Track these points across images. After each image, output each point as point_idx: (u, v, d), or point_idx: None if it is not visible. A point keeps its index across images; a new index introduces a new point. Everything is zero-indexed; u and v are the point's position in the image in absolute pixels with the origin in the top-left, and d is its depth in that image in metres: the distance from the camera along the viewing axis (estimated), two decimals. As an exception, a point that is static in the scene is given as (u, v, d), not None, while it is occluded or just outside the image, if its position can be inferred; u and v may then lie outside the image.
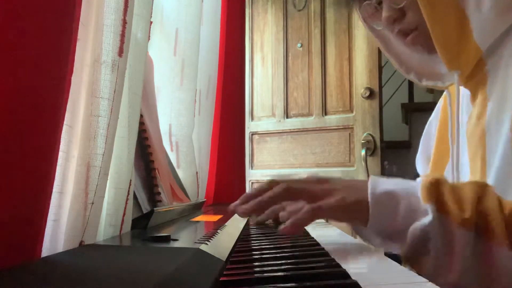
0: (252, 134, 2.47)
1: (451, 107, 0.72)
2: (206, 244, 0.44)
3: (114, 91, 0.49)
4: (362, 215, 0.51)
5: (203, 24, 1.16)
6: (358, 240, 0.61)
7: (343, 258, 0.47)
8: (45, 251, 0.39)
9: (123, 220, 0.55)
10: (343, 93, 2.27)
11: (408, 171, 2.85)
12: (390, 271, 0.43)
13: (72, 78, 0.41)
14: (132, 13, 0.53)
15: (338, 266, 0.41)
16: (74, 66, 0.42)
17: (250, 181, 2.43)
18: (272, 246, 0.56)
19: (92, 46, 0.48)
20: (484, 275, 0.47)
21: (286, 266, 0.43)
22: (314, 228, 0.78)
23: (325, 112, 2.30)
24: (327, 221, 0.89)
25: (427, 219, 0.48)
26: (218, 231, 0.56)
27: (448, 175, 0.71)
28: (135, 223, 0.59)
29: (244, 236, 0.66)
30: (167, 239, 0.47)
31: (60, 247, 0.42)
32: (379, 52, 2.19)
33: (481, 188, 0.49)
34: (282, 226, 0.51)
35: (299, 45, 2.39)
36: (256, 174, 2.45)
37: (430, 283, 0.35)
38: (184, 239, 0.51)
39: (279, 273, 0.38)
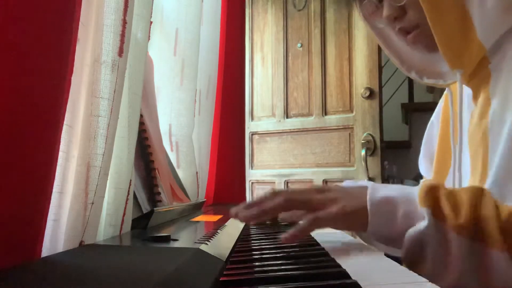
0: (252, 134, 2.47)
1: (453, 106, 0.72)
2: (206, 244, 0.44)
3: (114, 91, 0.49)
4: (362, 221, 0.53)
5: (203, 24, 1.16)
6: (358, 240, 0.61)
7: (343, 258, 0.47)
8: (45, 251, 0.39)
9: (123, 220, 0.55)
10: (343, 93, 2.27)
11: (408, 171, 2.85)
12: (390, 271, 0.43)
13: (72, 78, 0.41)
14: (132, 13, 0.53)
15: (338, 266, 0.41)
16: (74, 66, 0.42)
17: (250, 181, 2.43)
18: (272, 246, 0.56)
19: (92, 46, 0.48)
20: (481, 279, 0.47)
21: (286, 266, 0.43)
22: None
23: (325, 112, 2.30)
24: None
25: (423, 224, 0.49)
26: (218, 231, 0.56)
27: (451, 176, 0.70)
28: (135, 223, 0.59)
29: (244, 236, 0.66)
30: (167, 239, 0.47)
31: (60, 247, 0.42)
32: (379, 52, 2.19)
33: (478, 193, 0.50)
34: (283, 235, 0.52)
35: (299, 45, 2.39)
36: (256, 174, 2.45)
37: (430, 283, 0.35)
38: (184, 239, 0.51)
39: (279, 273, 0.38)
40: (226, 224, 0.66)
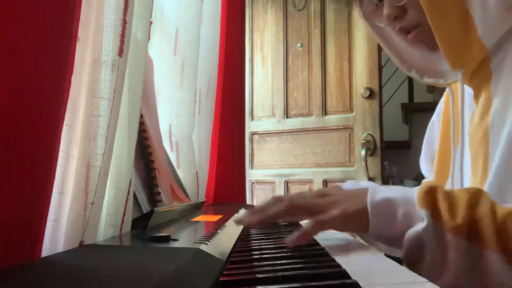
0: (252, 134, 2.47)
1: (454, 106, 0.72)
2: (206, 244, 0.44)
3: (114, 91, 0.49)
4: (363, 223, 0.54)
5: (203, 24, 1.16)
6: (358, 240, 0.61)
7: (343, 258, 0.47)
8: (45, 251, 0.39)
9: (123, 220, 0.55)
10: (343, 93, 2.27)
11: (408, 171, 2.85)
12: (390, 271, 0.43)
13: (72, 78, 0.41)
14: (132, 13, 0.53)
15: (338, 266, 0.41)
16: (74, 66, 0.42)
17: (250, 181, 2.43)
18: (272, 246, 0.56)
19: (92, 46, 0.48)
20: (478, 280, 0.48)
21: (286, 266, 0.43)
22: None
23: (325, 112, 2.30)
24: None
25: (421, 225, 0.50)
26: (218, 231, 0.56)
27: (451, 178, 0.71)
28: (135, 223, 0.59)
29: (244, 236, 0.66)
30: (167, 239, 0.47)
31: (60, 247, 0.42)
32: (379, 52, 2.19)
33: (475, 195, 0.50)
34: (288, 239, 0.53)
35: (299, 45, 2.39)
36: (256, 174, 2.45)
37: (430, 283, 0.35)
38: (184, 239, 0.51)
39: (279, 273, 0.38)
40: (226, 224, 0.66)
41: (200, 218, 0.81)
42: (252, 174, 2.44)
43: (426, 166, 0.88)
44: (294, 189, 2.35)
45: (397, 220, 0.52)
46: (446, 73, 0.70)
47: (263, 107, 2.46)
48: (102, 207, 0.49)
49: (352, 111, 2.24)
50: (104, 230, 0.52)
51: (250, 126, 2.45)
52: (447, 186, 0.71)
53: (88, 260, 0.38)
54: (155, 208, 0.61)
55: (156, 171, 0.78)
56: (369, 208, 0.53)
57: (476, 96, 0.66)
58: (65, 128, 0.41)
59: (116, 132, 0.51)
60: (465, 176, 0.67)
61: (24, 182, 0.33)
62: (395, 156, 2.89)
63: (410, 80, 3.47)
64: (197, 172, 1.10)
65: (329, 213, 0.55)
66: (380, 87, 2.23)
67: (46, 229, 0.38)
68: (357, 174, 2.20)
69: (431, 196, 0.51)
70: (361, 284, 0.34)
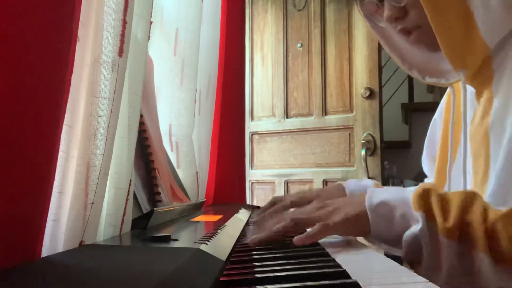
0: (252, 134, 2.47)
1: (455, 105, 0.72)
2: (206, 244, 0.44)
3: (114, 91, 0.49)
4: (364, 226, 0.56)
5: (203, 24, 1.16)
6: (358, 240, 0.61)
7: (343, 258, 0.47)
8: (45, 251, 0.39)
9: (123, 220, 0.55)
10: (343, 93, 2.27)
11: (408, 171, 2.85)
12: (390, 271, 0.43)
13: (72, 78, 0.41)
14: (132, 13, 0.53)
15: (338, 266, 0.41)
16: (74, 66, 0.42)
17: (250, 181, 2.43)
18: (272, 246, 0.56)
19: (92, 46, 0.48)
20: (469, 280, 0.49)
21: (286, 266, 0.43)
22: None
23: (325, 112, 2.30)
24: None
25: (417, 227, 0.51)
26: (218, 231, 0.56)
27: (453, 175, 0.71)
28: (135, 223, 0.59)
29: (244, 236, 0.66)
30: (167, 239, 0.47)
31: (60, 247, 0.42)
32: (379, 52, 2.19)
33: (469, 198, 0.52)
34: (296, 237, 0.56)
35: (299, 45, 2.39)
36: (256, 174, 2.45)
37: (430, 283, 0.35)
38: (184, 239, 0.51)
39: (279, 273, 0.38)
40: (226, 224, 0.66)
41: (200, 218, 0.80)
42: (252, 174, 2.44)
43: (428, 165, 0.88)
44: (294, 189, 2.35)
45: (395, 222, 0.54)
46: (447, 73, 0.70)
47: (263, 107, 2.46)
48: (102, 207, 0.49)
49: (352, 111, 2.24)
50: (104, 230, 0.52)
51: (250, 126, 2.45)
52: (448, 185, 0.72)
53: (88, 260, 0.38)
54: (155, 208, 0.61)
55: (156, 171, 0.78)
56: (368, 211, 0.55)
57: (478, 95, 0.66)
58: (65, 128, 0.41)
59: (116, 132, 0.51)
60: (467, 176, 0.67)
61: (24, 182, 0.33)
62: (395, 156, 2.89)
63: (410, 80, 3.47)
64: (197, 172, 1.10)
65: (332, 218, 0.56)
66: (380, 87, 2.23)
67: (46, 229, 0.38)
68: (357, 174, 2.20)
69: (425, 198, 0.53)
70: (361, 283, 0.34)
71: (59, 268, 0.34)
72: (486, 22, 0.61)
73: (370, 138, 2.18)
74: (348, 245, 0.59)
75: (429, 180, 0.89)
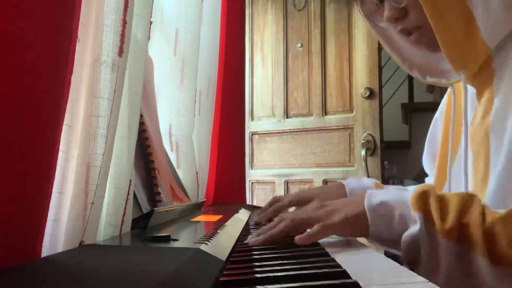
0: (252, 134, 2.47)
1: (456, 105, 0.72)
2: (206, 244, 0.44)
3: (114, 91, 0.49)
4: (363, 227, 0.56)
5: (203, 24, 1.16)
6: (358, 240, 0.61)
7: (343, 258, 0.47)
8: (45, 251, 0.39)
9: (123, 220, 0.55)
10: (343, 93, 2.27)
11: (408, 171, 2.85)
12: (390, 271, 0.43)
13: (72, 78, 0.41)
14: (132, 13, 0.53)
15: (338, 266, 0.41)
16: (74, 66, 0.42)
17: (250, 181, 2.43)
18: (272, 246, 0.56)
19: (92, 46, 0.48)
20: (467, 281, 0.50)
21: (286, 266, 0.43)
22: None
23: (325, 112, 2.30)
24: None
25: (415, 228, 0.52)
26: (218, 231, 0.56)
27: (453, 175, 0.71)
28: (135, 223, 0.59)
29: (244, 236, 0.66)
30: (167, 239, 0.47)
31: (60, 247, 0.42)
32: (379, 52, 2.19)
33: (467, 200, 0.52)
34: (297, 236, 0.56)
35: (299, 45, 2.39)
36: (256, 174, 2.45)
37: (430, 283, 0.35)
38: (184, 239, 0.51)
39: (279, 273, 0.38)
40: (226, 224, 0.66)
41: (200, 218, 0.81)
42: (252, 174, 2.44)
43: (428, 164, 0.88)
44: (294, 189, 2.35)
45: (394, 222, 0.54)
46: (448, 73, 0.70)
47: (263, 107, 2.46)
48: (102, 207, 0.49)
49: (352, 111, 2.24)
50: (104, 230, 0.52)
51: (250, 126, 2.45)
52: (448, 185, 0.72)
53: (88, 260, 0.38)
54: (155, 208, 0.61)
55: (156, 171, 0.78)
56: (367, 212, 0.55)
57: (479, 95, 0.66)
58: (65, 128, 0.41)
59: (116, 132, 0.51)
60: (468, 176, 0.67)
61: (24, 182, 0.33)
62: (395, 156, 2.89)
63: (410, 80, 3.47)
64: (197, 172, 1.10)
65: (332, 219, 0.57)
66: (380, 87, 2.23)
67: (46, 229, 0.38)
68: (357, 174, 2.20)
69: (424, 199, 0.53)
70: (361, 283, 0.34)
71: (59, 268, 0.34)
72: (487, 22, 0.61)
73: (370, 138, 2.18)
74: (348, 245, 0.59)
75: (430, 179, 0.89)
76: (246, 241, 0.60)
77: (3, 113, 0.30)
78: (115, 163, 0.54)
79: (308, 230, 0.57)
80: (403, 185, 2.42)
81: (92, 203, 0.46)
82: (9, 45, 0.30)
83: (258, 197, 2.44)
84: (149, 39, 0.69)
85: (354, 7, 2.22)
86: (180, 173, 1.05)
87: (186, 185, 1.06)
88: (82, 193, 0.45)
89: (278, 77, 2.43)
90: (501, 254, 0.47)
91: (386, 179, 2.52)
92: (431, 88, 3.47)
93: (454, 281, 0.50)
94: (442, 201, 0.52)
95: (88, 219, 0.45)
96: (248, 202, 2.20)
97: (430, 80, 0.73)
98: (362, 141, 2.18)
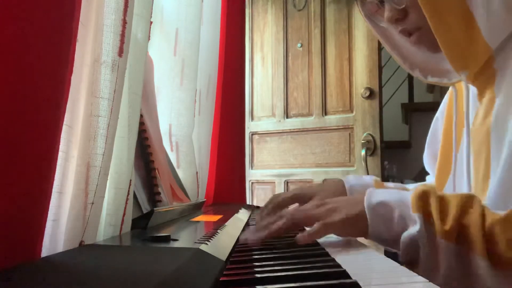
0: (252, 134, 2.47)
1: (457, 105, 0.72)
2: (206, 244, 0.44)
3: (114, 91, 0.49)
4: (363, 227, 0.56)
5: (203, 24, 1.16)
6: (358, 240, 0.61)
7: (343, 258, 0.47)
8: (45, 251, 0.39)
9: (123, 220, 0.55)
10: (343, 93, 2.27)
11: (408, 171, 2.85)
12: (390, 271, 0.43)
13: (72, 78, 0.41)
14: (132, 13, 0.53)
15: (338, 266, 0.41)
16: (74, 66, 0.42)
17: (250, 181, 2.43)
18: (272, 246, 0.56)
19: (92, 46, 0.48)
20: (466, 282, 0.50)
21: (286, 266, 0.43)
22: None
23: (325, 112, 2.30)
24: None
25: (415, 228, 0.52)
26: (218, 231, 0.56)
27: (452, 176, 0.71)
28: (135, 223, 0.59)
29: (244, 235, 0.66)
30: (167, 239, 0.47)
31: (60, 247, 0.42)
32: (379, 52, 2.19)
33: (467, 200, 0.52)
34: (298, 235, 0.56)
35: (299, 45, 2.39)
36: (256, 174, 2.45)
37: (430, 283, 0.35)
38: (184, 239, 0.51)
39: (279, 273, 0.38)
40: (226, 224, 0.66)
41: (200, 218, 0.81)
42: (252, 174, 2.44)
43: (429, 163, 0.89)
44: (294, 189, 2.35)
45: (394, 222, 0.54)
46: (449, 73, 0.69)
47: (263, 107, 2.46)
48: (102, 207, 0.49)
49: (352, 111, 2.24)
50: (104, 230, 0.52)
51: (250, 126, 2.45)
52: (449, 183, 0.72)
53: (88, 260, 0.38)
54: (155, 208, 0.61)
55: (156, 171, 0.78)
56: (366, 211, 0.55)
57: (480, 96, 0.66)
58: (65, 128, 0.41)
59: (116, 132, 0.51)
60: (470, 176, 0.67)
61: (24, 182, 0.33)
62: (395, 156, 2.89)
63: (410, 80, 3.47)
64: (197, 172, 1.10)
65: (332, 218, 0.57)
66: (380, 87, 2.23)
67: (46, 229, 0.38)
68: (357, 174, 2.20)
69: (424, 200, 0.53)
70: (360, 283, 0.34)
71: (59, 268, 0.34)
72: (488, 23, 0.61)
73: (370, 138, 2.18)
74: (348, 245, 0.59)
75: (430, 178, 0.90)
76: (243, 237, 0.60)
77: (3, 113, 0.30)
78: (115, 163, 0.54)
79: (308, 229, 0.57)
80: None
81: (92, 203, 0.46)
82: (9, 45, 0.30)
83: (258, 197, 2.44)
84: (149, 39, 0.69)
85: (354, 7, 2.22)
86: (180, 173, 1.05)
87: (186, 185, 1.06)
88: (82, 193, 0.45)
89: (278, 77, 2.43)
90: (501, 255, 0.47)
91: (386, 179, 2.52)
92: (431, 88, 3.47)
93: (454, 282, 0.50)
94: (442, 201, 0.52)
95: (88, 219, 0.45)
96: (248, 202, 2.20)
97: (431, 79, 0.73)
98: (362, 141, 2.18)
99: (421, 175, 0.92)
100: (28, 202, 0.33)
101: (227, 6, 1.48)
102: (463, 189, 0.66)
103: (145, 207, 0.69)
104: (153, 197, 0.74)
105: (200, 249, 0.41)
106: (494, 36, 0.61)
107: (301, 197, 0.78)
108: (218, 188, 1.39)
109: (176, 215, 0.77)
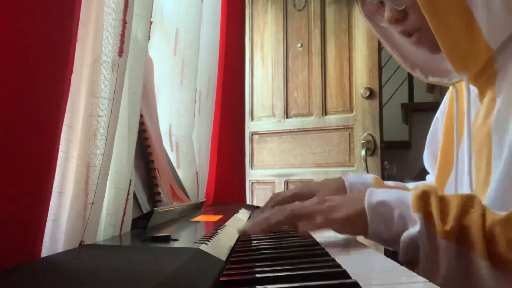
0: (252, 134, 2.47)
1: (458, 105, 0.72)
2: (206, 244, 0.44)
3: (114, 91, 0.49)
4: (363, 226, 0.56)
5: (203, 24, 1.16)
6: (358, 240, 0.61)
7: (343, 258, 0.47)
8: (45, 251, 0.39)
9: (123, 220, 0.55)
10: (343, 93, 2.27)
11: (408, 171, 2.85)
12: (390, 271, 0.43)
13: (72, 78, 0.41)
14: (132, 13, 0.53)
15: (338, 266, 0.41)
16: (74, 66, 0.42)
17: (250, 181, 2.43)
18: (272, 246, 0.56)
19: (92, 46, 0.48)
20: (466, 283, 0.50)
21: (286, 266, 0.43)
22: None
23: (325, 112, 2.30)
24: None
25: (415, 228, 0.52)
26: (218, 231, 0.56)
27: (453, 176, 0.71)
28: (135, 223, 0.59)
29: (244, 237, 0.66)
30: (167, 239, 0.47)
31: (60, 247, 0.42)
32: (379, 52, 2.19)
33: (468, 201, 0.52)
34: (301, 228, 0.56)
35: (299, 45, 2.39)
36: (256, 174, 2.45)
37: (430, 283, 0.35)
38: (184, 239, 0.51)
39: (279, 273, 0.38)
40: (226, 224, 0.66)
41: (200, 218, 0.80)
42: (252, 174, 2.44)
43: (429, 162, 0.89)
44: (294, 189, 2.35)
45: (394, 222, 0.54)
46: (450, 73, 0.69)
47: (263, 107, 2.46)
48: (102, 207, 0.49)
49: (352, 111, 2.24)
50: (104, 230, 0.52)
51: (250, 126, 2.45)
52: (451, 182, 0.72)
53: (88, 260, 0.38)
54: (155, 208, 0.61)
55: (156, 171, 0.78)
56: (367, 210, 0.55)
57: (481, 96, 0.66)
58: (65, 128, 0.41)
59: (116, 132, 0.51)
60: (472, 176, 0.67)
61: (24, 182, 0.33)
62: (395, 156, 2.89)
63: (410, 80, 3.47)
64: (197, 172, 1.10)
65: (333, 214, 0.57)
66: (380, 87, 2.23)
67: (46, 229, 0.38)
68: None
69: (424, 200, 0.53)
70: (360, 283, 0.34)
71: (59, 268, 0.34)
72: (489, 23, 0.60)
73: (370, 138, 2.18)
74: (348, 245, 0.59)
75: (431, 177, 0.90)
76: (242, 228, 0.60)
77: (3, 113, 0.30)
78: (115, 163, 0.54)
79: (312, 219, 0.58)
80: (403, 185, 2.41)
81: (92, 203, 0.46)
82: (9, 45, 0.30)
83: (258, 197, 2.44)
84: (149, 39, 0.69)
85: (354, 7, 2.22)
86: (180, 173, 1.05)
87: (186, 185, 1.06)
88: (82, 193, 0.45)
89: (278, 77, 2.43)
90: (501, 256, 0.47)
91: (386, 179, 2.51)
92: (431, 88, 3.47)
93: (454, 282, 0.50)
94: (442, 202, 0.52)
95: (88, 219, 0.45)
96: (248, 202, 2.20)
97: (432, 79, 0.73)
98: (362, 141, 2.18)
99: (421, 175, 0.92)
100: (28, 202, 0.33)
101: (227, 6, 1.48)
102: (465, 189, 0.66)
103: (145, 207, 0.69)
104: (153, 197, 0.74)
105: (200, 249, 0.41)
106: (495, 36, 0.61)
107: (301, 196, 0.78)
108: (218, 188, 1.39)
109: (176, 215, 0.77)
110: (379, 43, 2.14)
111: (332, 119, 2.28)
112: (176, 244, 0.46)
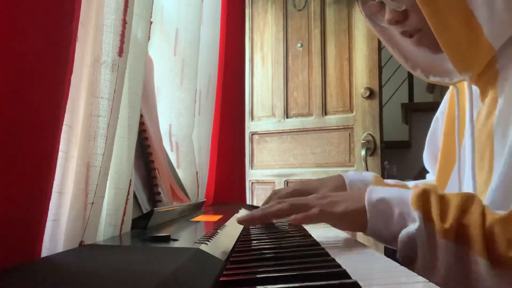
0: (252, 134, 2.47)
1: (459, 105, 0.72)
2: (206, 244, 0.44)
3: (114, 91, 0.49)
4: (362, 222, 0.56)
5: (203, 24, 1.16)
6: (358, 240, 0.61)
7: (343, 258, 0.47)
8: (45, 251, 0.39)
9: (123, 220, 0.55)
10: (343, 93, 2.27)
11: (408, 171, 2.85)
12: (390, 270, 0.43)
13: (72, 78, 0.41)
14: (132, 13, 0.53)
15: (338, 266, 0.41)
16: (74, 66, 0.42)
17: (250, 181, 2.43)
18: (272, 246, 0.56)
19: (92, 46, 0.48)
20: (464, 282, 0.50)
21: (286, 266, 0.43)
22: (314, 228, 0.78)
23: (325, 112, 2.30)
24: None
25: (414, 226, 0.52)
26: (218, 231, 0.56)
27: (455, 176, 0.71)
28: (135, 223, 0.59)
29: (244, 236, 0.66)
30: (167, 239, 0.47)
31: (60, 247, 0.42)
32: (379, 52, 2.19)
33: (467, 200, 0.52)
34: (293, 217, 0.57)
35: (299, 45, 2.39)
36: (256, 174, 2.45)
37: (430, 283, 0.35)
38: (184, 239, 0.51)
39: (279, 273, 0.38)
40: (226, 224, 0.66)
41: (200, 218, 0.80)
42: (252, 174, 2.44)
43: (429, 162, 0.89)
44: (294, 189, 2.34)
45: (393, 220, 0.54)
46: (451, 72, 0.69)
47: (263, 107, 2.46)
48: (102, 207, 0.49)
49: (352, 111, 2.24)
50: (104, 230, 0.52)
51: (250, 126, 2.45)
52: (452, 182, 0.72)
53: (88, 260, 0.38)
54: (155, 208, 0.61)
55: (156, 171, 0.78)
56: (366, 207, 0.55)
57: (483, 95, 0.66)
58: (65, 128, 0.41)
59: (116, 132, 0.51)
60: (468, 175, 0.67)
61: (24, 182, 0.33)
62: (395, 156, 2.89)
63: (410, 80, 3.47)
64: (197, 172, 1.10)
65: (332, 209, 0.57)
66: (380, 87, 2.23)
67: (46, 229, 0.38)
68: (357, 174, 2.20)
69: (424, 199, 0.53)
70: (360, 283, 0.34)
71: (59, 268, 0.34)
72: (490, 23, 0.60)
73: (370, 138, 2.18)
74: (348, 245, 0.59)
75: (430, 176, 0.90)
76: (240, 217, 0.60)
77: (3, 113, 0.30)
78: (115, 163, 0.54)
79: (306, 212, 0.58)
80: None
81: (92, 203, 0.46)
82: (9, 45, 0.30)
83: (258, 197, 2.44)
84: (149, 39, 0.69)
85: (354, 7, 2.22)
86: (180, 173, 1.05)
87: (186, 185, 1.06)
88: (82, 193, 0.45)
89: (278, 77, 2.43)
90: (500, 255, 0.47)
91: (386, 179, 2.51)
92: (431, 88, 3.47)
93: (452, 281, 0.50)
94: (442, 201, 0.52)
95: (88, 219, 0.45)
96: (248, 202, 2.20)
97: (433, 79, 0.73)
98: (362, 141, 2.18)
99: (421, 175, 0.93)
100: (28, 202, 0.33)
101: (227, 6, 1.48)
102: (468, 188, 0.66)
103: (145, 207, 0.69)
104: (153, 197, 0.74)
105: (200, 249, 0.41)
106: (496, 36, 0.61)
107: (302, 193, 0.78)
108: (218, 188, 1.39)
109: (176, 215, 0.77)
110: (379, 43, 2.14)
111: (332, 119, 2.28)
112: (176, 244, 0.46)
